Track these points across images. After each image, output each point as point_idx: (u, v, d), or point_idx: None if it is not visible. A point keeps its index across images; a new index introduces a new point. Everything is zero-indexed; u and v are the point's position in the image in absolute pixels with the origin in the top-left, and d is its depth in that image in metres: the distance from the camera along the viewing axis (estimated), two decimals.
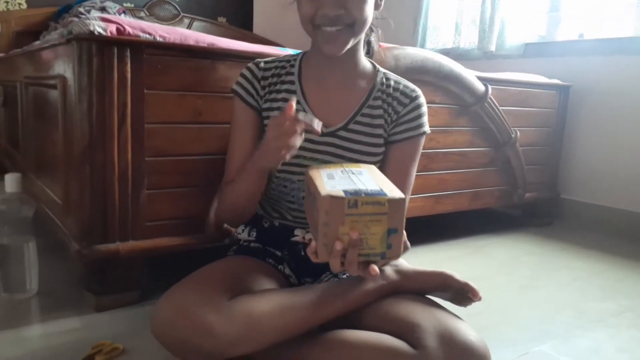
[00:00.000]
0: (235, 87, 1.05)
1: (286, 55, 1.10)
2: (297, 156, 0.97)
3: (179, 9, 3.24)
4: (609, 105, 2.20)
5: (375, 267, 0.73)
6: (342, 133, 1.00)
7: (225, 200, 1.03)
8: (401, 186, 1.05)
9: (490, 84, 1.81)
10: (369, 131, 1.01)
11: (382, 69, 1.07)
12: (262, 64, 1.05)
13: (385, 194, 0.72)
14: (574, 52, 2.33)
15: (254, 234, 1.06)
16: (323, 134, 0.98)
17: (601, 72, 2.23)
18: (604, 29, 2.30)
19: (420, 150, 1.06)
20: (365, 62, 1.05)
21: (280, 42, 3.40)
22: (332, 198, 0.71)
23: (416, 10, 2.89)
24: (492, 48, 2.52)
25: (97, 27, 1.08)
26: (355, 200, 0.71)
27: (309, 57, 1.05)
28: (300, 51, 1.10)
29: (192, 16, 3.31)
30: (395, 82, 1.05)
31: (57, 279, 1.32)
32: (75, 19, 2.65)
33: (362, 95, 1.02)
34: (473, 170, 1.89)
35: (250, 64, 1.05)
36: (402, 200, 0.72)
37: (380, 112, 1.01)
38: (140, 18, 3.02)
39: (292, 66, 1.05)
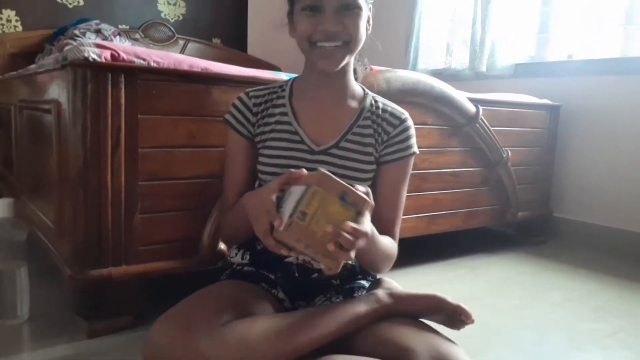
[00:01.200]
0: (227, 117, 1.07)
1: (277, 82, 1.12)
2: None
3: (173, 30, 3.27)
4: (598, 125, 2.23)
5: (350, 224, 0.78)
6: (334, 151, 1.02)
7: (228, 226, 1.07)
8: (394, 205, 1.06)
9: (481, 105, 1.83)
10: (360, 149, 1.03)
11: (370, 93, 1.09)
12: (252, 93, 1.08)
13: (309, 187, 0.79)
14: (563, 72, 2.36)
15: (247, 257, 1.06)
16: (316, 152, 1.02)
17: (590, 92, 2.26)
18: (592, 49, 2.34)
19: (410, 171, 1.08)
20: (355, 84, 1.08)
21: (274, 63, 3.44)
22: (285, 229, 0.78)
23: (408, 31, 2.93)
24: (483, 69, 2.56)
25: (92, 53, 1.09)
26: (300, 212, 0.78)
27: (301, 80, 1.08)
28: (292, 75, 1.13)
29: (187, 37, 3.34)
30: (384, 104, 1.08)
31: (49, 304, 1.31)
32: (71, 42, 2.68)
33: (352, 114, 1.05)
34: (466, 190, 1.90)
35: (241, 95, 1.08)
36: (320, 173, 0.80)
37: (370, 131, 1.04)
38: (135, 40, 3.05)
39: (283, 90, 1.08)
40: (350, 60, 1.03)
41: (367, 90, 1.10)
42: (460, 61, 2.78)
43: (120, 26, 3.12)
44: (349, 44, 0.96)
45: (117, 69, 1.11)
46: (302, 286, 1.02)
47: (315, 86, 1.04)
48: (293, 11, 0.99)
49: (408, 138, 1.06)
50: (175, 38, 3.28)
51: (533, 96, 2.24)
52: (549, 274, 1.82)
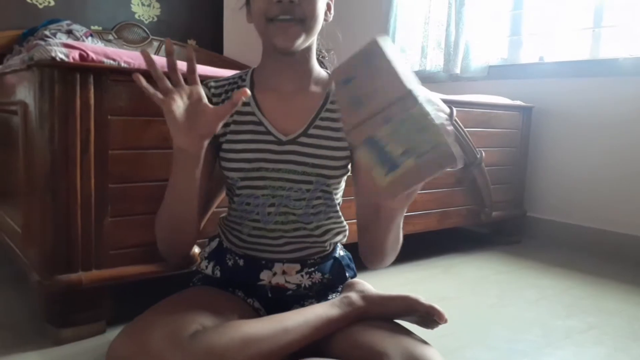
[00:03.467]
0: None
1: (236, 73, 1.09)
2: (258, 168, 0.96)
3: (147, 31, 3.23)
4: (570, 125, 2.28)
5: None
6: (303, 139, 0.97)
7: (161, 220, 0.98)
8: None
9: (455, 106, 1.85)
10: (331, 135, 0.98)
11: None
12: (211, 84, 1.03)
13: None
14: (535, 74, 2.41)
15: (218, 272, 1.03)
16: (284, 142, 0.97)
17: (561, 93, 2.30)
18: (562, 52, 2.39)
19: None
20: (319, 69, 1.04)
21: (251, 65, 3.41)
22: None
23: (383, 32, 2.94)
24: (457, 70, 2.58)
25: (59, 53, 1.07)
26: None
27: (261, 68, 1.04)
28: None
29: (162, 39, 3.29)
30: None
31: (18, 311, 1.27)
32: (41, 43, 2.62)
33: (318, 100, 1.01)
34: (441, 191, 1.92)
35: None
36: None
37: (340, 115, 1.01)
38: (108, 41, 3.00)
39: (243, 80, 1.04)
40: (312, 45, 1.00)
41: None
42: (434, 63, 2.81)
43: (92, 27, 3.07)
44: (304, 21, 0.92)
45: (86, 69, 1.08)
46: (276, 307, 0.99)
47: (277, 73, 1.00)
48: None
49: None
50: (149, 39, 3.23)
51: (506, 97, 2.27)
52: (523, 273, 1.84)
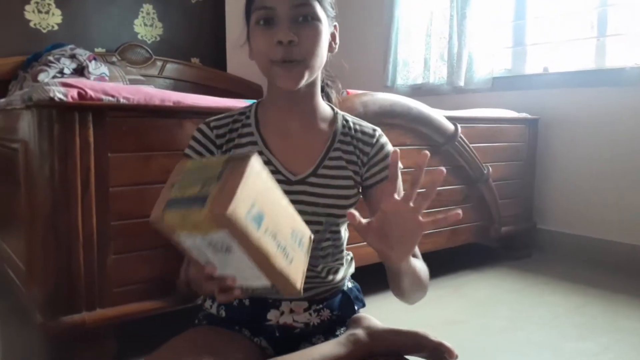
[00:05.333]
0: (187, 151, 0.98)
1: (238, 109, 1.07)
2: None
3: (150, 52, 3.25)
4: (577, 136, 2.25)
5: None
6: (312, 179, 0.96)
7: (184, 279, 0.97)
8: None
9: (460, 123, 1.83)
10: (340, 174, 0.97)
11: (340, 112, 1.04)
12: (213, 123, 1.00)
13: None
14: (540, 84, 2.38)
15: (223, 312, 1.01)
16: (293, 182, 0.95)
17: (567, 104, 2.28)
18: (567, 62, 2.36)
19: (401, 184, 1.00)
20: (324, 106, 1.02)
21: (255, 81, 3.42)
22: None
23: (385, 47, 2.94)
24: (461, 83, 2.56)
25: (58, 92, 1.07)
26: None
27: (266, 106, 1.01)
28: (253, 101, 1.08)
29: (165, 59, 3.31)
30: (354, 123, 1.02)
31: (21, 348, 1.27)
32: (46, 68, 2.63)
33: (325, 138, 0.99)
34: (448, 209, 1.89)
35: (201, 125, 1.00)
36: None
37: (349, 154, 0.98)
38: (112, 63, 3.01)
39: (248, 117, 1.01)
40: (317, 81, 0.97)
41: (336, 110, 1.04)
42: (438, 76, 2.79)
43: (96, 49, 3.09)
44: (306, 60, 0.90)
45: (85, 107, 1.08)
46: (285, 345, 0.97)
47: (283, 111, 0.98)
48: (249, 29, 0.94)
49: (389, 154, 1.00)
50: (152, 59, 3.25)
51: (511, 109, 2.25)
52: (533, 290, 1.81)
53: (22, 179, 1.21)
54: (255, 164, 0.65)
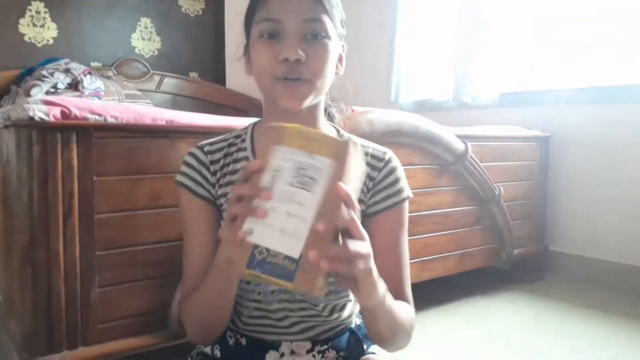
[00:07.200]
0: (180, 178, 0.90)
1: (232, 131, 0.98)
2: None
3: (148, 66, 3.17)
4: (590, 154, 2.16)
5: None
6: None
7: (192, 314, 0.88)
8: (397, 260, 0.90)
9: (470, 141, 1.74)
10: None
11: (346, 134, 0.96)
12: (207, 147, 0.92)
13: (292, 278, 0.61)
14: (550, 101, 2.30)
15: (218, 352, 0.92)
16: None
17: (578, 121, 2.19)
18: (578, 78, 2.28)
19: (407, 218, 0.94)
20: (328, 128, 0.95)
21: (254, 96, 3.35)
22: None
23: (389, 63, 2.87)
24: (468, 99, 2.48)
25: (38, 111, 0.97)
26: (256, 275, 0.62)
27: (263, 127, 0.94)
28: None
29: (163, 73, 3.24)
30: (363, 146, 0.94)
31: None
32: (39, 83, 2.56)
33: None
34: (458, 231, 1.80)
35: (193, 149, 0.92)
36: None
37: None
38: (108, 78, 2.93)
39: (243, 141, 0.93)
40: (320, 102, 0.90)
41: (341, 131, 0.96)
42: (443, 92, 2.71)
43: (92, 64, 3.02)
44: (313, 81, 0.82)
45: (68, 127, 0.99)
46: None
47: None
48: (249, 42, 0.86)
49: (397, 180, 0.91)
50: (150, 74, 3.18)
51: (520, 126, 2.16)
52: (549, 317, 1.71)
53: (0, 205, 1.12)
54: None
